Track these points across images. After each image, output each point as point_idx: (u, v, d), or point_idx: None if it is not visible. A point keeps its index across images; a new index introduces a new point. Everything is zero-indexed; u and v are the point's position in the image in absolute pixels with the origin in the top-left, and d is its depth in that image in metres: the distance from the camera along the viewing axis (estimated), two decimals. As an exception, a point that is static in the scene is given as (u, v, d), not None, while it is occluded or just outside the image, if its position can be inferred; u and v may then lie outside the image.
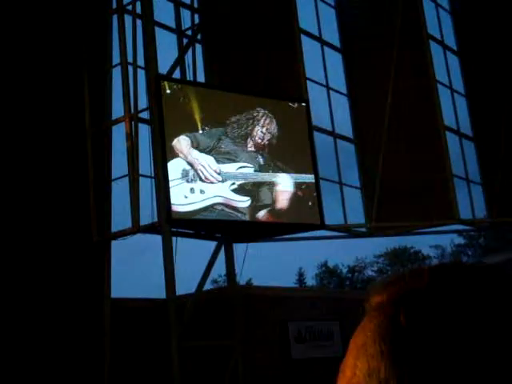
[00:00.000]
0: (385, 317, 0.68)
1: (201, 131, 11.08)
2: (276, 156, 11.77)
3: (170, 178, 10.31)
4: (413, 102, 13.36)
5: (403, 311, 0.67)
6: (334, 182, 13.27)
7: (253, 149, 11.69)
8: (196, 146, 11.03)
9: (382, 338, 0.66)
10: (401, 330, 0.65)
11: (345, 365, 0.70)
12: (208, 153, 11.14)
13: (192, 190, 10.70)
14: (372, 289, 0.73)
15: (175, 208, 10.30)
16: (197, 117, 11.03)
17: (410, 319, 0.66)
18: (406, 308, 0.67)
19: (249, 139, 11.69)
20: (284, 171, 11.72)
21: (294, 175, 11.73)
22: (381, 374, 0.65)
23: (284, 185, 11.70)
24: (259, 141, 11.73)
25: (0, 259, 9.36)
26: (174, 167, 10.56)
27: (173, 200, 10.26)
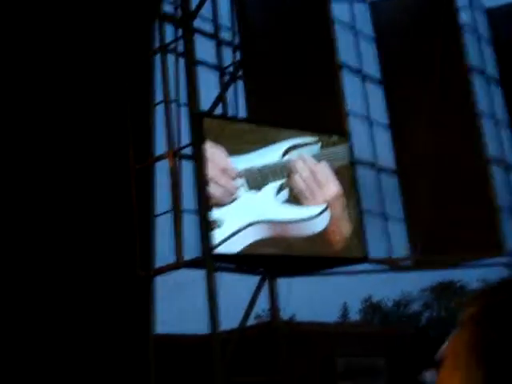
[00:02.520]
0: (476, 329, 0.74)
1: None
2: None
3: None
4: (456, 133, 13.20)
5: (492, 325, 0.73)
6: (378, 214, 13.10)
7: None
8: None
9: (475, 350, 0.72)
10: (492, 342, 0.71)
11: (442, 374, 0.77)
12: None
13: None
14: (465, 301, 0.81)
15: (225, 248, 9.57)
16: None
17: (500, 333, 0.71)
18: (494, 322, 0.73)
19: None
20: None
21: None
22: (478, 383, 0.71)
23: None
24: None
25: (48, 292, 9.48)
26: None
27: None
